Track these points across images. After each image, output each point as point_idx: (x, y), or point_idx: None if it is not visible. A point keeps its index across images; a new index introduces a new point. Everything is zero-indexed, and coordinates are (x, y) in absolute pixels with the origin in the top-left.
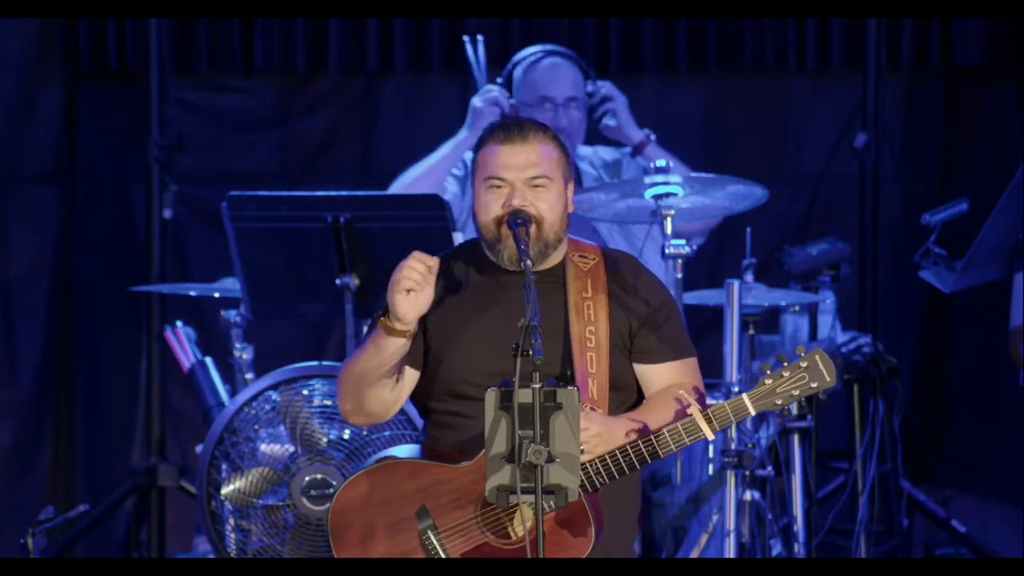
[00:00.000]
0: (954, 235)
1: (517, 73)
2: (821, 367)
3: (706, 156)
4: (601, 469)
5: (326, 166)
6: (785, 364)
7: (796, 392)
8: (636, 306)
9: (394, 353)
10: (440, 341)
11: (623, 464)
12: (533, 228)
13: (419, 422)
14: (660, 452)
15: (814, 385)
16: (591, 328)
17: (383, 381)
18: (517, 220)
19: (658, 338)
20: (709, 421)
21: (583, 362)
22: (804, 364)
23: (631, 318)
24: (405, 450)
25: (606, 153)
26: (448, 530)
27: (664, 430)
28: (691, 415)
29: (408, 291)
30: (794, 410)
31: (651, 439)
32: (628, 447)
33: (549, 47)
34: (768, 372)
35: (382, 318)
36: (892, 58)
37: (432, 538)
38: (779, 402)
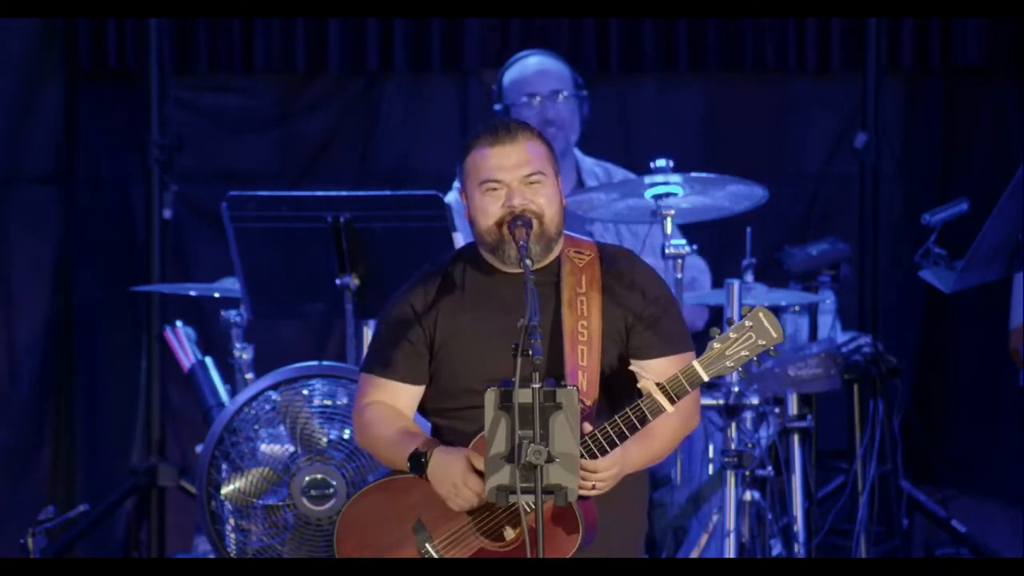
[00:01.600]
0: (954, 235)
1: (503, 78)
2: (766, 324)
3: (706, 156)
4: None
5: (326, 166)
6: (731, 326)
7: (745, 352)
8: (631, 302)
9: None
10: (445, 349)
11: (594, 449)
12: (536, 225)
13: (424, 425)
14: (627, 433)
15: (762, 343)
16: (583, 322)
17: None
18: (518, 222)
19: (654, 333)
20: (665, 392)
21: (574, 355)
22: (749, 323)
23: (626, 314)
24: None
25: (618, 177)
26: (444, 540)
27: (627, 409)
28: (646, 389)
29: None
30: (791, 407)
31: (616, 420)
32: (596, 432)
33: (534, 50)
34: (716, 336)
35: (421, 467)
36: (892, 58)
37: (430, 551)
38: (730, 364)
